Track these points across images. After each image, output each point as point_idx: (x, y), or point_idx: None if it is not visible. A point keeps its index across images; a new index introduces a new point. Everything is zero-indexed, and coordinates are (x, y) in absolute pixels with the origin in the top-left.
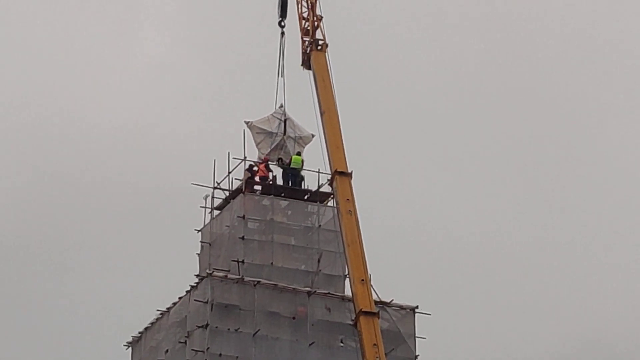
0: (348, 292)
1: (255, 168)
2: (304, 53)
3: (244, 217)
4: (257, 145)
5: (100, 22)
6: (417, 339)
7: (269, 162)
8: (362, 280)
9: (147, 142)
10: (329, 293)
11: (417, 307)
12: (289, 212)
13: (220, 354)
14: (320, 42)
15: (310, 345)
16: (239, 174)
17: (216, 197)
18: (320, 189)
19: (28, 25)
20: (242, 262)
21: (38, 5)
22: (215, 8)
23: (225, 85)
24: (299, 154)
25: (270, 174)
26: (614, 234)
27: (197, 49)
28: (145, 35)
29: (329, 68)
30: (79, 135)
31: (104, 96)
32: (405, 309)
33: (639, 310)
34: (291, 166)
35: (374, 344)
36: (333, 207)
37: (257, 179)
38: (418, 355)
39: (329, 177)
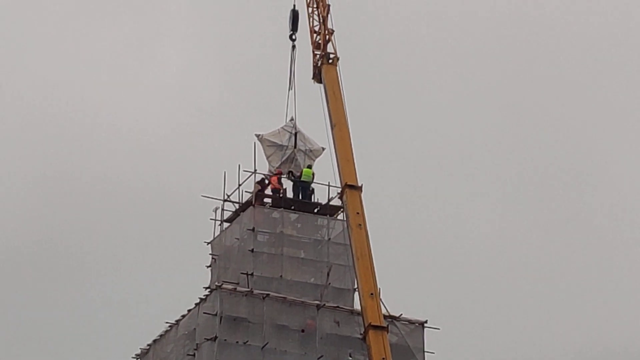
0: (357, 305)
1: (266, 181)
2: (315, 66)
3: (253, 229)
4: (267, 158)
5: (119, 35)
6: (426, 353)
7: (280, 175)
8: (372, 294)
9: (158, 154)
10: (338, 306)
11: (426, 321)
12: (299, 225)
13: None
14: (332, 56)
15: (318, 358)
16: (249, 186)
17: (226, 210)
18: (330, 202)
19: (48, 39)
20: (252, 274)
21: (56, 20)
22: (226, 21)
23: (237, 98)
24: (309, 167)
25: (282, 186)
26: (626, 246)
27: (208, 61)
28: (159, 47)
29: (339, 81)
30: (90, 144)
31: (116, 106)
32: (414, 323)
33: None
34: (301, 179)
35: (383, 358)
36: (343, 220)
37: (269, 191)
38: None
39: (339, 190)
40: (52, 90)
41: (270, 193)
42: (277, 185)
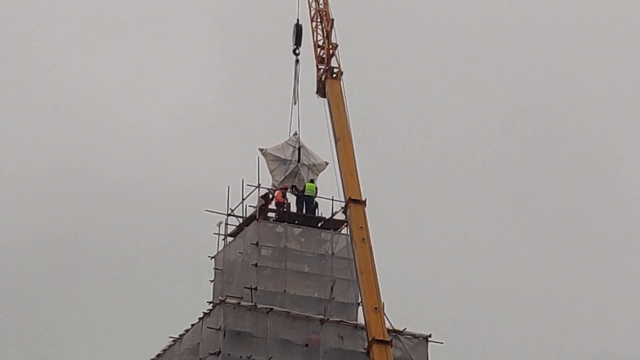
0: (361, 320)
1: (270, 195)
2: (319, 81)
3: (257, 244)
4: (271, 173)
5: (130, 53)
6: None
7: (286, 190)
8: (375, 308)
9: (163, 168)
10: (342, 321)
11: (430, 335)
12: (303, 240)
13: None
14: (335, 70)
15: None
16: (253, 201)
17: (230, 224)
18: (334, 217)
19: (61, 56)
20: (255, 289)
21: (68, 37)
22: (228, 34)
23: (240, 113)
24: (312, 181)
25: (293, 199)
26: (630, 258)
27: (212, 75)
28: (167, 62)
29: (343, 96)
30: (94, 156)
31: (124, 120)
32: (418, 337)
33: None
34: (305, 194)
35: None
36: (347, 234)
37: (273, 205)
38: None
39: (343, 204)
40: (62, 107)
41: (274, 207)
42: (282, 200)
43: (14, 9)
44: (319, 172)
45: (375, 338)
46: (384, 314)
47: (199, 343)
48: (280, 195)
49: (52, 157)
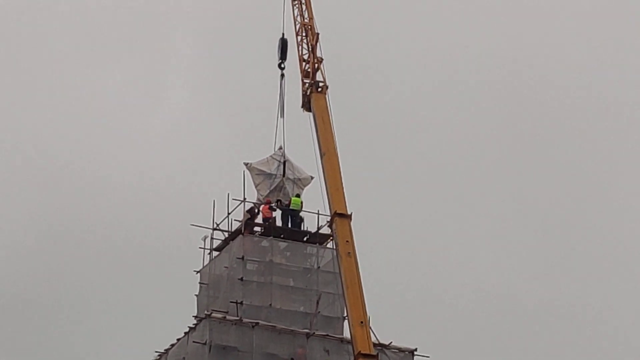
0: (347, 334)
1: (256, 209)
2: (304, 95)
3: (243, 258)
4: (256, 187)
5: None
6: None
7: (270, 204)
8: (362, 322)
9: (147, 183)
10: (327, 335)
11: (416, 349)
12: (288, 254)
13: None
14: (321, 84)
15: None
16: (239, 215)
17: (215, 238)
18: (320, 231)
19: (50, 76)
20: (241, 303)
21: (57, 58)
22: (213, 48)
23: (225, 127)
24: (298, 195)
25: (274, 213)
26: (627, 283)
27: (197, 91)
28: (153, 81)
29: (329, 110)
30: (75, 172)
31: (109, 139)
32: (404, 351)
33: None
34: (291, 208)
35: None
36: (332, 248)
37: (259, 219)
38: None
39: (329, 218)
40: (51, 129)
41: (260, 222)
42: (269, 214)
43: (11, 24)
44: (304, 186)
45: (362, 352)
46: (370, 327)
47: (184, 358)
48: (267, 209)
49: (44, 184)
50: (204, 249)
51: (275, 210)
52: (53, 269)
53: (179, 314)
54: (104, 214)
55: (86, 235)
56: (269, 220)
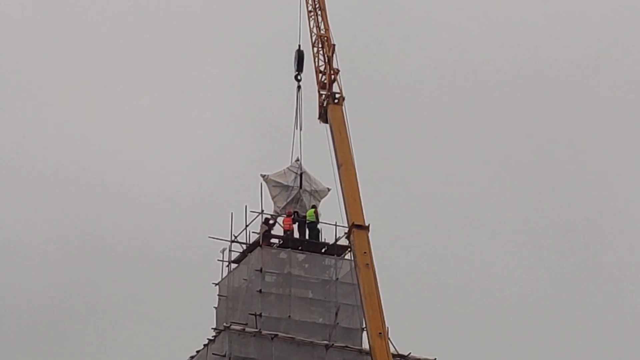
0: (366, 345)
1: (272, 221)
2: (321, 106)
3: (261, 270)
4: (273, 199)
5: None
6: None
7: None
8: (380, 333)
9: (165, 196)
10: (346, 346)
11: (435, 359)
12: (306, 266)
13: None
14: (337, 95)
15: None
16: (256, 227)
17: (233, 251)
18: (338, 242)
19: (79, 102)
20: (260, 315)
21: (87, 84)
22: (227, 61)
23: (242, 139)
24: (313, 207)
25: (295, 226)
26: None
27: (212, 103)
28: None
29: (345, 121)
30: (100, 185)
31: (127, 156)
32: None
33: None
34: (306, 220)
35: None
36: (350, 260)
37: (278, 231)
38: None
39: (346, 230)
40: (81, 145)
41: (277, 234)
42: (289, 226)
43: (33, 51)
44: (321, 198)
45: None
46: (389, 338)
47: None
48: (289, 221)
49: (68, 200)
50: (223, 261)
51: (295, 222)
52: (75, 280)
53: (198, 326)
54: (124, 227)
55: (106, 248)
56: (291, 232)
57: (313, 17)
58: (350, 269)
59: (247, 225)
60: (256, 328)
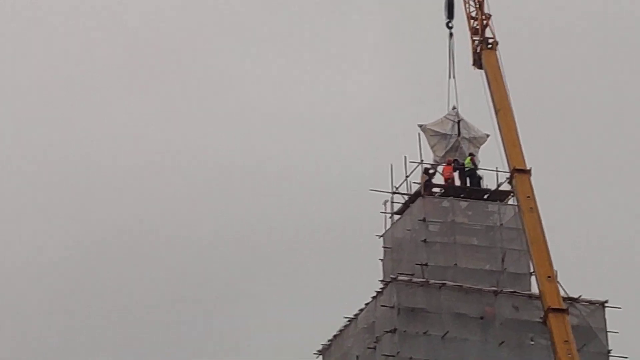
0: (535, 289)
1: (432, 171)
2: (475, 52)
3: (424, 220)
4: (431, 148)
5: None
6: (608, 333)
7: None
8: (549, 277)
9: (323, 152)
10: (515, 292)
11: (606, 301)
12: (470, 213)
13: (410, 358)
14: (490, 41)
15: (500, 344)
16: (416, 177)
17: (395, 202)
18: (500, 188)
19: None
20: (426, 265)
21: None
22: (379, 14)
23: (398, 90)
24: (471, 154)
25: (455, 174)
26: None
27: (367, 56)
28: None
29: (500, 66)
30: (249, 145)
31: (277, 111)
32: (594, 303)
33: None
34: (464, 167)
35: (565, 341)
36: (514, 205)
37: (438, 180)
38: (611, 349)
39: (508, 175)
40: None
41: (438, 182)
42: (451, 175)
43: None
44: (480, 144)
45: (551, 307)
46: (558, 282)
47: (374, 322)
48: (450, 169)
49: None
50: (385, 213)
51: (456, 170)
52: (243, 243)
53: (365, 279)
54: (284, 188)
55: (270, 208)
56: (448, 181)
57: None
58: (514, 214)
59: (407, 176)
60: (423, 278)
